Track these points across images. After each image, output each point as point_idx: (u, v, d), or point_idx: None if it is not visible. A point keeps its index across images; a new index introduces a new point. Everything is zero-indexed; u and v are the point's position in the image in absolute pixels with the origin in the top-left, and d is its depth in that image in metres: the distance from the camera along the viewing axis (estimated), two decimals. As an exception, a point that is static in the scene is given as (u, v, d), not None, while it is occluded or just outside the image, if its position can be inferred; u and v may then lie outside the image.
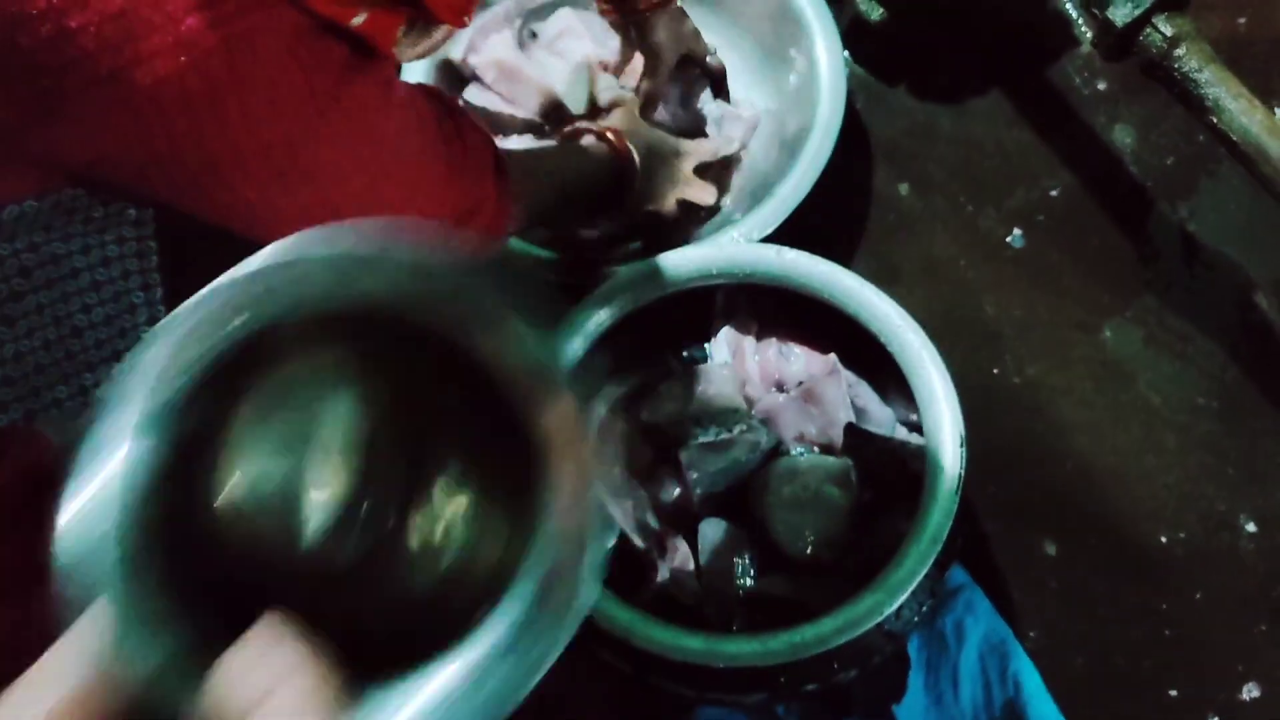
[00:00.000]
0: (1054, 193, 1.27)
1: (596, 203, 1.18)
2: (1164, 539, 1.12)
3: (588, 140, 1.18)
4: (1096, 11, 0.98)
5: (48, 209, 0.71)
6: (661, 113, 1.29)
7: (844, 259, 1.24)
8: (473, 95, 1.31)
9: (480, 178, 0.92)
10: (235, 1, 0.64)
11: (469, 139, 0.91)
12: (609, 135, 1.16)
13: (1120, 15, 0.95)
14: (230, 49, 0.64)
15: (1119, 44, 0.97)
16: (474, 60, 1.31)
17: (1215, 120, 0.94)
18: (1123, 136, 1.28)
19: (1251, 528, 1.11)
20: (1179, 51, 0.94)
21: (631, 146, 1.16)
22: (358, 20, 0.70)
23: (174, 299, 0.83)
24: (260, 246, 0.40)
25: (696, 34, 1.26)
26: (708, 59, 1.29)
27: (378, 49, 0.75)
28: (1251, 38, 1.29)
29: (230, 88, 0.65)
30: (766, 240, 1.14)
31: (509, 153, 1.00)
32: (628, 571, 1.03)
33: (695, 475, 1.03)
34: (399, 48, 0.77)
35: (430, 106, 0.87)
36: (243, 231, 0.76)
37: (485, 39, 1.32)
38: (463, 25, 0.80)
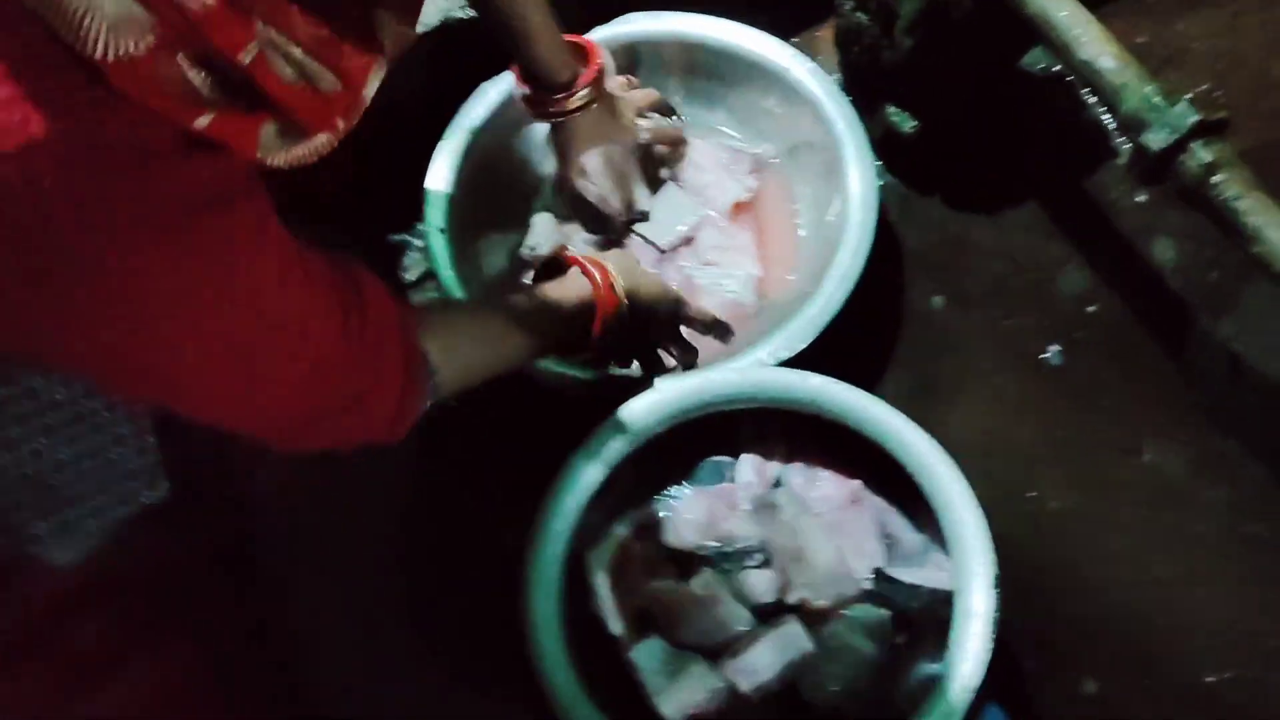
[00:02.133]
0: (1092, 308, 1.23)
1: (571, 348, 1.07)
2: (1211, 678, 1.07)
3: (572, 278, 1.05)
4: (1132, 135, 0.96)
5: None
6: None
7: (876, 374, 1.22)
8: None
9: (378, 355, 0.81)
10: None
11: (371, 312, 0.79)
12: (596, 274, 1.04)
13: (1156, 141, 0.92)
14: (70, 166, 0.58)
15: (1155, 169, 0.94)
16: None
17: (1256, 250, 0.91)
18: (1163, 250, 1.24)
19: (1306, 667, 1.06)
20: (1217, 179, 0.91)
21: (621, 294, 1.04)
22: (202, 122, 0.61)
23: (163, 429, 0.81)
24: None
25: (631, 126, 1.23)
26: (656, 150, 1.28)
27: (236, 155, 0.64)
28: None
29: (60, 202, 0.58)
30: (795, 358, 1.11)
31: (445, 317, 0.93)
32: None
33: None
34: (266, 154, 0.66)
35: (326, 266, 0.77)
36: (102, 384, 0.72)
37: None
38: (336, 131, 0.68)
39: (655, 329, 1.11)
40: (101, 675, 0.85)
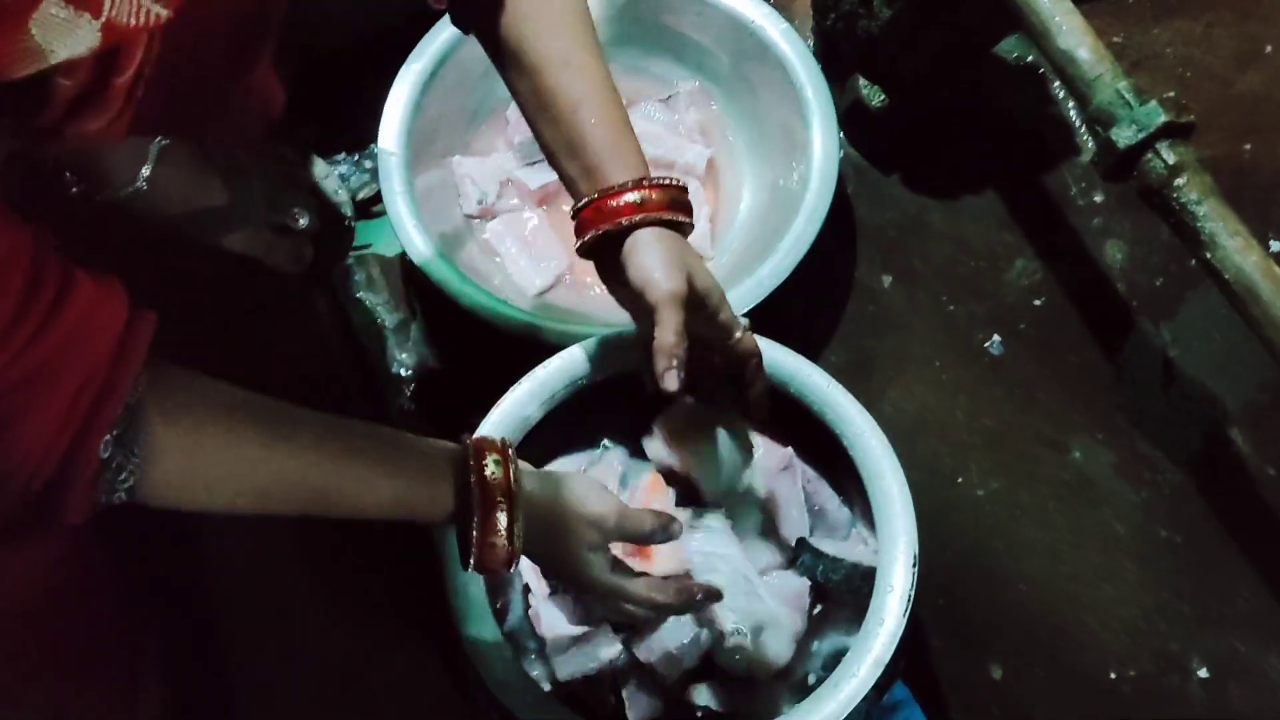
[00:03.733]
0: (1038, 302, 1.24)
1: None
2: (1113, 674, 1.08)
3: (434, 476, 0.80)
4: (1100, 130, 0.95)
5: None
6: None
7: (817, 346, 1.21)
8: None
9: (48, 378, 0.61)
10: None
11: (66, 322, 0.61)
12: (485, 515, 0.79)
13: (1123, 137, 0.92)
14: None
15: (1119, 166, 0.94)
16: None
17: (1209, 255, 0.91)
18: (1114, 251, 1.25)
19: (1203, 673, 1.08)
20: (1179, 181, 0.91)
21: (515, 550, 0.80)
22: None
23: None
24: None
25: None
26: None
27: None
28: (1257, 163, 1.26)
29: None
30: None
31: (204, 395, 0.70)
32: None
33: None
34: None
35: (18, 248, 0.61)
36: None
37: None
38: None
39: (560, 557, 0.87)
40: None
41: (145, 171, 1.00)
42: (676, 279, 0.84)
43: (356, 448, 0.76)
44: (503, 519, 0.79)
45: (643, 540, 0.90)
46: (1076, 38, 0.98)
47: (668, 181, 0.87)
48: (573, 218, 0.89)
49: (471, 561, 0.80)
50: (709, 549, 0.97)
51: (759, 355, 0.95)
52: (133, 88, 0.68)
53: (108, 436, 0.63)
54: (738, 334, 0.92)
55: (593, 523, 0.85)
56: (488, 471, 0.79)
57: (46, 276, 0.61)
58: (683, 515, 0.99)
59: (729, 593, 0.94)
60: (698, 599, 0.90)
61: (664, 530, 0.89)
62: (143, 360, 0.65)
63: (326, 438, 0.75)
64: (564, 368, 1.02)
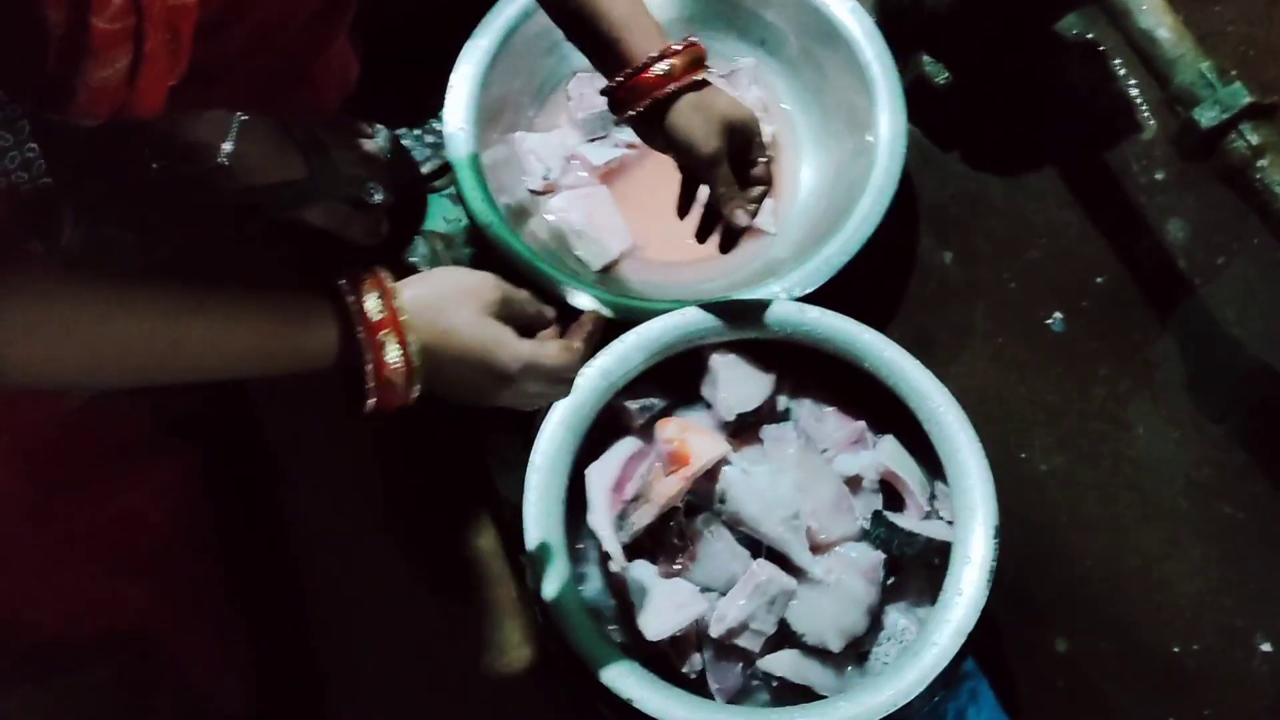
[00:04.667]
0: (1100, 279, 1.24)
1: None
2: (1177, 649, 1.09)
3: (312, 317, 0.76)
4: (1180, 109, 0.96)
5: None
6: None
7: (880, 323, 1.21)
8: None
9: None
10: None
11: None
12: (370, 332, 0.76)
13: (1207, 118, 0.93)
14: None
15: (1200, 147, 0.94)
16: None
17: (1291, 237, 0.92)
18: (1175, 230, 1.25)
19: (1267, 648, 1.09)
20: (1262, 162, 0.92)
21: (412, 346, 0.77)
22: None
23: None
24: None
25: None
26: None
27: None
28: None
29: None
30: (804, 298, 1.11)
31: (53, 273, 0.69)
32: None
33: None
34: None
35: None
36: None
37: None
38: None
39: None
40: None
41: (227, 147, 1.01)
42: (714, 141, 0.93)
43: (213, 300, 0.73)
44: (394, 353, 0.76)
45: (526, 320, 0.85)
46: (1157, 17, 0.99)
47: (684, 43, 0.93)
48: (601, 93, 0.97)
49: (370, 404, 0.77)
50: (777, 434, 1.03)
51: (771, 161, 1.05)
52: (136, 30, 0.68)
53: None
54: (767, 155, 1.00)
55: (472, 291, 0.81)
56: (368, 305, 0.76)
57: None
58: None
59: (800, 477, 0.99)
60: (589, 329, 0.88)
61: (541, 314, 0.87)
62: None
63: (173, 295, 0.72)
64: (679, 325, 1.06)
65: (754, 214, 0.98)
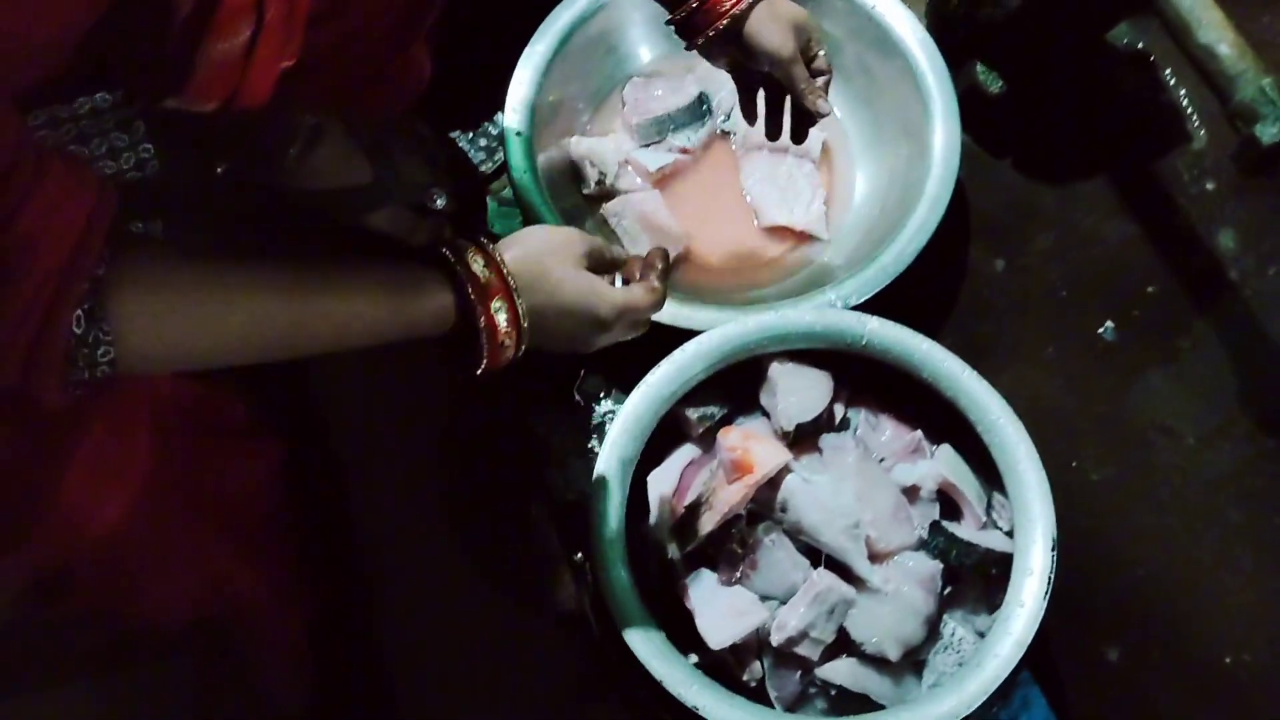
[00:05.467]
0: (1151, 289, 1.25)
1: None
2: (1229, 659, 1.10)
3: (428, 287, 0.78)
4: (1241, 125, 0.96)
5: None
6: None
7: (931, 330, 1.22)
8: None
9: (21, 254, 0.60)
10: None
11: (46, 195, 0.60)
12: (480, 277, 0.78)
13: (1269, 134, 0.93)
14: None
15: (1261, 163, 0.95)
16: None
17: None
18: (1226, 240, 1.26)
19: (1319, 659, 1.10)
20: (1324, 179, 0.92)
21: (521, 308, 0.80)
22: None
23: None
24: None
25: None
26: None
27: None
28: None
29: None
30: (857, 306, 1.12)
31: (166, 260, 0.68)
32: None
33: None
34: None
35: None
36: None
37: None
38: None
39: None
40: None
41: (294, 151, 1.02)
42: (790, 42, 1.00)
43: (333, 276, 0.75)
44: (505, 316, 0.79)
45: (608, 265, 0.90)
46: (1218, 32, 0.99)
47: None
48: (668, 24, 1.03)
49: (482, 366, 0.80)
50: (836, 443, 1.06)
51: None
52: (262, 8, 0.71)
53: (78, 312, 0.62)
54: (823, 45, 1.06)
55: (565, 247, 0.85)
56: (476, 271, 0.79)
57: (22, 162, 0.60)
58: None
59: (859, 486, 1.01)
60: (661, 265, 0.91)
61: (617, 257, 0.91)
62: (105, 237, 0.63)
63: (289, 273, 0.73)
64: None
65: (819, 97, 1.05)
